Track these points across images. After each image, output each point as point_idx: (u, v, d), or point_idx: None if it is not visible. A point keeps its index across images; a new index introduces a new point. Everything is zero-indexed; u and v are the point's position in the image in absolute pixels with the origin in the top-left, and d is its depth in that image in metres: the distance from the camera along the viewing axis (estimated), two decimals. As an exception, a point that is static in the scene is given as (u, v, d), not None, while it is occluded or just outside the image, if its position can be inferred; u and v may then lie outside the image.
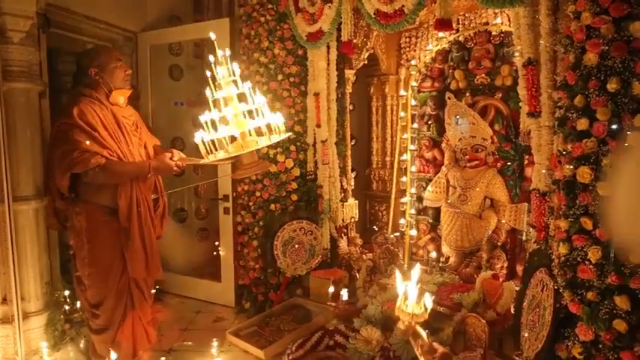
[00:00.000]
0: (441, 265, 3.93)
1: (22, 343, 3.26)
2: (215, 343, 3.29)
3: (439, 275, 3.70)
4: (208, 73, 2.48)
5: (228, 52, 2.50)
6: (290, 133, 2.93)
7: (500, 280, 3.34)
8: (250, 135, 2.52)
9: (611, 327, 2.00)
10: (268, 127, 2.50)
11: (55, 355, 3.28)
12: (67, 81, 4.06)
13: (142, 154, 2.99)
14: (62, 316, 3.51)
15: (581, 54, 2.16)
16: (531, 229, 2.78)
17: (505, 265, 3.59)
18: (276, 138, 2.54)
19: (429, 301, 1.84)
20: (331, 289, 3.52)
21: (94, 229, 2.81)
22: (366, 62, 4.23)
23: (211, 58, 2.48)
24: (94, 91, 2.86)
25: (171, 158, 2.87)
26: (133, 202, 2.85)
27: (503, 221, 3.60)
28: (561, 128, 2.25)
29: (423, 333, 1.77)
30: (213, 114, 2.47)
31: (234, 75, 2.49)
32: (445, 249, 3.94)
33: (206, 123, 2.44)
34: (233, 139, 2.51)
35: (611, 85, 2.02)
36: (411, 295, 1.81)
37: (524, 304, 2.65)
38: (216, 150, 2.52)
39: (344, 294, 3.48)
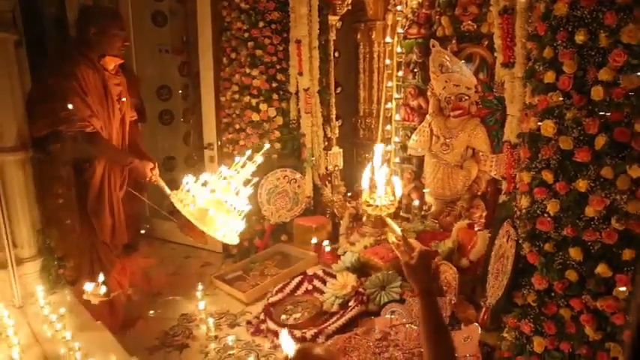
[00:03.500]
0: (423, 213, 4.00)
1: (17, 287, 3.42)
2: (200, 287, 3.43)
3: (420, 223, 3.79)
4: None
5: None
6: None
7: (477, 229, 3.41)
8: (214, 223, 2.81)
9: (563, 277, 2.08)
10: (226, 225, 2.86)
11: (50, 298, 3.44)
12: (50, 27, 4.02)
13: (116, 127, 3.07)
14: (55, 262, 3.65)
15: (551, 3, 2.10)
16: (502, 180, 2.81)
17: (484, 214, 3.63)
18: (225, 240, 2.92)
19: (398, 186, 1.75)
20: (314, 240, 3.63)
21: (67, 181, 2.91)
22: (350, 8, 4.12)
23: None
24: (91, 52, 2.86)
25: (152, 169, 3.11)
26: (105, 176, 3.01)
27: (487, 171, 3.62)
28: (529, 80, 2.23)
29: (396, 227, 1.54)
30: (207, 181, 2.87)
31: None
32: (428, 197, 3.99)
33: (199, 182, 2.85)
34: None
35: (579, 37, 1.99)
36: (379, 181, 1.73)
37: (492, 253, 2.73)
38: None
39: (326, 244, 3.60)
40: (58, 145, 2.93)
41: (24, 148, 3.36)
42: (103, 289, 2.90)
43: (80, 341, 2.87)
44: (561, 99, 2.05)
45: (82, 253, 3.04)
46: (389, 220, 1.70)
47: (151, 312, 3.38)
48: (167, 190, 3.05)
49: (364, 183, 1.78)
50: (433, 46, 3.68)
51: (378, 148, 1.79)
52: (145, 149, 3.44)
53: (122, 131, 3.14)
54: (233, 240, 2.96)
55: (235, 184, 2.90)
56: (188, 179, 2.86)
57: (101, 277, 2.92)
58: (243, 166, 2.96)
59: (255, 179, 3.07)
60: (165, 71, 4.71)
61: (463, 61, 3.60)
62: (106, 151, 2.94)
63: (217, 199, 2.83)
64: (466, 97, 3.65)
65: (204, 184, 2.87)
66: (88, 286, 2.92)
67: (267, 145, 3.40)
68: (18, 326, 3.08)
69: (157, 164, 3.21)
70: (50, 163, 2.94)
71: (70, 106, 2.74)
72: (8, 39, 3.26)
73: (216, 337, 3.05)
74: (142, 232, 4.19)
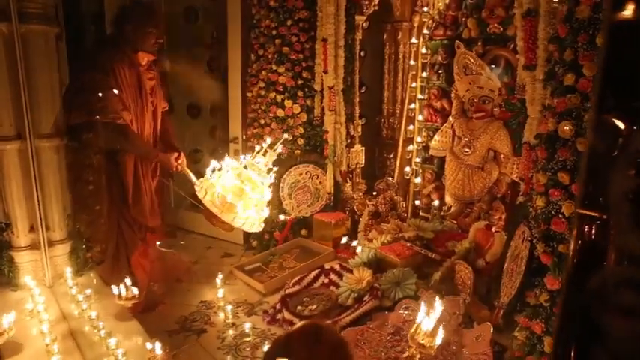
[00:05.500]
0: (442, 213, 4.02)
1: (48, 267, 3.60)
2: (220, 276, 3.55)
3: (438, 223, 3.81)
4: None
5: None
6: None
7: (494, 230, 3.42)
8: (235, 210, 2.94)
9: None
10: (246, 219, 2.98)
11: (78, 280, 3.61)
12: (88, 22, 4.21)
13: (149, 119, 3.21)
14: (84, 246, 3.81)
15: (574, 6, 2.11)
16: (521, 182, 2.82)
17: (503, 216, 3.64)
18: (245, 227, 3.01)
19: (439, 338, 1.94)
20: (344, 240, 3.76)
21: (98, 169, 3.06)
22: (377, 8, 4.16)
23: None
24: (126, 47, 3.01)
25: (177, 158, 3.24)
26: (137, 163, 3.17)
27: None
28: (549, 82, 2.24)
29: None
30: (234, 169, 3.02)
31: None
32: (448, 198, 4.01)
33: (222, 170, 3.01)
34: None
35: (600, 40, 1.99)
36: (425, 326, 1.91)
37: (508, 254, 2.75)
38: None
39: (344, 238, 3.68)
40: (90, 135, 3.07)
41: (59, 135, 3.54)
42: (135, 291, 3.06)
43: (104, 321, 3.01)
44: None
45: (109, 235, 3.17)
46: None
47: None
48: (193, 178, 3.17)
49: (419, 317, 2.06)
50: (458, 48, 3.70)
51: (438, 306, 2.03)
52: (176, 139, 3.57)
53: (154, 122, 3.28)
54: (254, 228, 3.05)
55: (257, 172, 3.00)
56: (213, 165, 3.00)
57: (128, 281, 3.08)
58: (264, 154, 3.06)
59: (276, 168, 3.16)
60: (194, 66, 4.84)
61: (490, 65, 3.62)
62: (133, 144, 3.09)
63: (239, 187, 2.92)
64: (489, 100, 3.66)
65: (227, 170, 3.00)
66: (116, 290, 3.08)
67: (285, 135, 3.51)
68: (48, 304, 3.25)
69: (183, 154, 3.31)
70: (82, 151, 3.08)
71: (103, 99, 2.88)
72: (50, 32, 3.44)
73: (233, 324, 3.15)
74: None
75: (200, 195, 2.94)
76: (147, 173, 3.26)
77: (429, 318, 1.99)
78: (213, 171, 3.04)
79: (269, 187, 3.08)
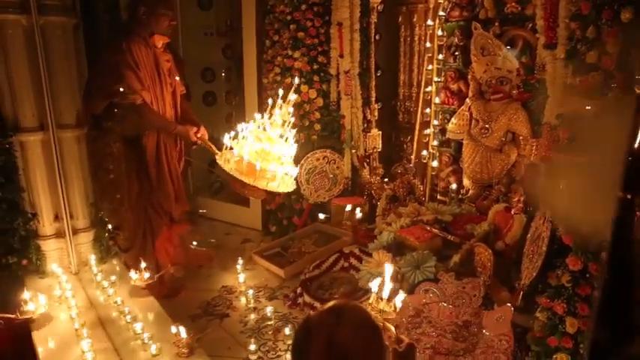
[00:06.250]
0: (460, 196, 4.00)
1: (74, 255, 3.69)
2: (241, 262, 3.59)
3: (456, 206, 3.80)
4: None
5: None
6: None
7: (514, 212, 3.39)
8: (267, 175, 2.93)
9: (598, 258, 2.08)
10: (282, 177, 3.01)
11: (101, 267, 3.70)
12: (104, 11, 4.22)
13: (169, 100, 3.23)
14: (106, 234, 3.89)
15: (597, -19, 2.07)
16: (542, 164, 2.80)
17: (522, 199, 3.60)
18: (273, 187, 2.99)
19: (399, 300, 1.92)
20: (348, 207, 3.74)
21: (117, 157, 3.09)
22: (392, -10, 4.11)
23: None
24: (142, 30, 3.02)
25: (196, 132, 3.22)
26: (160, 145, 3.19)
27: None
28: (571, 61, 2.21)
29: (392, 327, 1.77)
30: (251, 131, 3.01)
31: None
32: (466, 181, 3.99)
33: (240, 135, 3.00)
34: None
35: (625, 15, 1.96)
36: (384, 293, 1.93)
37: (528, 235, 2.74)
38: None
39: (357, 212, 3.69)
40: (110, 123, 3.10)
41: (79, 125, 3.60)
42: (147, 275, 3.15)
43: (129, 306, 3.09)
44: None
45: (137, 223, 3.22)
46: (387, 324, 1.74)
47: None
48: (215, 150, 3.16)
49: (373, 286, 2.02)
50: (475, 29, 3.65)
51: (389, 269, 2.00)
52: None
53: (174, 103, 3.29)
54: (289, 187, 3.09)
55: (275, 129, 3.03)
56: (229, 135, 3.00)
57: (143, 264, 3.16)
58: (280, 108, 3.05)
59: (293, 119, 3.13)
60: (209, 54, 4.86)
61: (506, 45, 3.56)
62: (152, 119, 3.09)
63: (262, 149, 2.95)
64: (507, 81, 3.61)
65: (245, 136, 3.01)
66: (133, 274, 3.19)
67: (296, 80, 3.52)
68: (75, 290, 3.34)
69: (203, 127, 3.31)
70: (104, 139, 3.11)
71: (121, 80, 2.90)
72: (68, 23, 3.49)
73: (255, 308, 3.20)
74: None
75: (226, 166, 2.93)
76: (171, 156, 3.28)
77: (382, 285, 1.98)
78: (232, 139, 3.03)
79: (290, 141, 3.09)
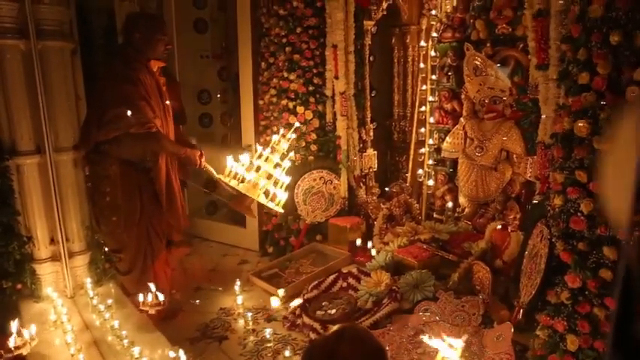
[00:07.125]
0: (456, 215, 4.03)
1: (69, 278, 3.65)
2: (238, 283, 3.58)
3: (453, 225, 3.82)
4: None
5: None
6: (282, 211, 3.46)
7: (510, 230, 3.42)
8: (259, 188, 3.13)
9: (597, 275, 2.09)
10: (273, 195, 3.19)
11: (98, 290, 3.65)
12: (100, 35, 4.28)
13: (171, 124, 3.30)
14: (102, 257, 3.86)
15: (587, 5, 2.13)
16: (536, 182, 2.83)
17: (518, 216, 3.64)
18: (270, 205, 3.19)
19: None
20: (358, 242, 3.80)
21: (121, 181, 3.10)
22: (385, 13, 4.20)
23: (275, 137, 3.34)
24: (140, 56, 3.06)
25: (200, 156, 3.30)
26: (168, 168, 3.23)
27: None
28: (563, 81, 2.26)
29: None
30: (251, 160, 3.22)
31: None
32: (461, 199, 4.02)
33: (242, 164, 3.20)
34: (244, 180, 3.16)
35: (614, 38, 2.01)
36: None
37: (525, 253, 2.75)
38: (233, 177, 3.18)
39: (358, 241, 3.70)
40: (107, 146, 3.09)
41: (76, 147, 3.60)
42: (161, 297, 3.06)
43: (126, 330, 3.05)
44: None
45: (138, 244, 3.20)
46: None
47: (197, 301, 3.60)
48: (215, 173, 3.24)
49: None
50: (467, 50, 3.72)
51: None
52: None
53: (174, 127, 3.34)
54: (279, 208, 3.26)
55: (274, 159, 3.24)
56: (231, 162, 3.17)
57: (153, 288, 3.07)
58: (277, 144, 3.25)
59: (291, 154, 3.34)
60: (205, 76, 4.90)
61: (498, 65, 3.64)
62: (165, 146, 3.13)
63: (263, 173, 3.15)
64: (500, 100, 3.67)
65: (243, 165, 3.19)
66: (141, 297, 3.08)
67: (297, 124, 3.72)
68: (70, 314, 3.29)
69: (203, 152, 3.36)
70: (103, 163, 3.10)
71: (138, 111, 2.94)
72: (66, 48, 3.52)
73: (253, 330, 3.17)
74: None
75: (232, 183, 3.10)
76: (176, 176, 3.34)
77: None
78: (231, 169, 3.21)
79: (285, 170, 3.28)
